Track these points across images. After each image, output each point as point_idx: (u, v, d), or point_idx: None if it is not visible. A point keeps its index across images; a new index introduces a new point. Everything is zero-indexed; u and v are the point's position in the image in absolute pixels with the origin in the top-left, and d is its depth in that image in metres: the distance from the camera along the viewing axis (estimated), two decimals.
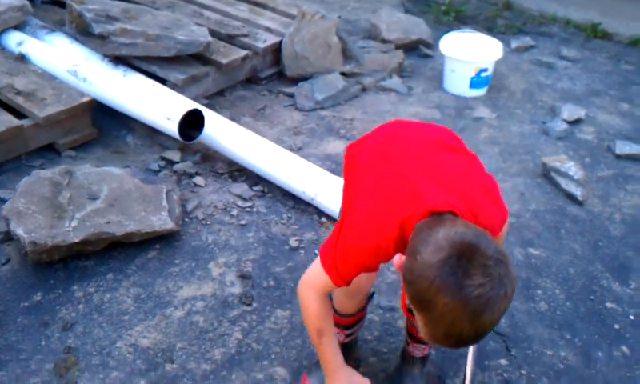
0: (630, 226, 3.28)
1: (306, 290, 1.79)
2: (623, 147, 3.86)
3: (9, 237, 2.60)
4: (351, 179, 1.87)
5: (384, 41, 4.81)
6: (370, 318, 2.48)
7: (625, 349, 2.56)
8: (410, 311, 1.47)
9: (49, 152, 3.27)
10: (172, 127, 3.00)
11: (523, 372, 2.38)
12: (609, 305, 2.77)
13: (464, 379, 2.18)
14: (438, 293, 1.31)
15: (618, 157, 3.83)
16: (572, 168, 3.48)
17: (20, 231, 2.44)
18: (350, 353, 2.25)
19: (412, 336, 2.14)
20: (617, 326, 2.66)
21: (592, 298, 2.79)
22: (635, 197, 3.51)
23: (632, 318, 2.71)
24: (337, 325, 2.11)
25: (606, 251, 3.07)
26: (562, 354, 2.49)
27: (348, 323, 2.12)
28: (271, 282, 2.60)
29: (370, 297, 2.17)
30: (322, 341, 1.82)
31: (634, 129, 4.18)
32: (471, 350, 2.13)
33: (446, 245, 1.34)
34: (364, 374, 2.24)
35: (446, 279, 1.30)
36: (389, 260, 1.63)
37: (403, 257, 1.46)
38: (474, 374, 2.18)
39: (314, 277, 1.75)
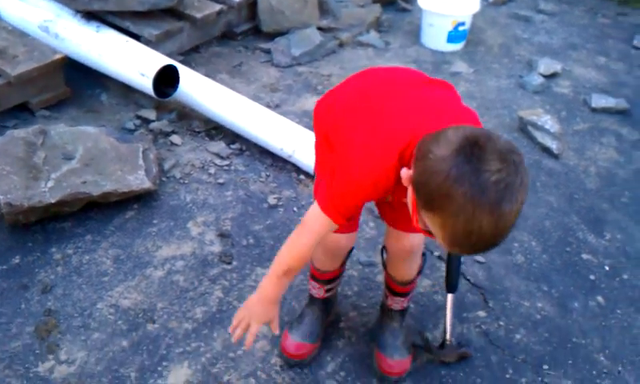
0: (604, 179, 3.31)
1: (306, 231, 1.72)
2: (599, 100, 3.88)
3: None
4: (328, 128, 1.84)
5: None
6: (350, 273, 2.50)
7: (600, 299, 2.61)
8: (427, 232, 1.43)
9: (22, 112, 3.21)
10: (147, 83, 2.96)
11: (501, 323, 2.41)
12: (584, 256, 2.81)
13: (444, 331, 2.21)
14: (455, 183, 1.27)
15: (594, 110, 3.85)
16: (548, 122, 3.49)
17: None
18: (330, 308, 2.27)
19: (391, 289, 2.15)
20: (592, 277, 2.71)
21: (568, 249, 2.83)
22: (610, 150, 3.55)
23: (607, 268, 2.76)
24: (317, 280, 2.14)
25: (581, 204, 3.11)
26: (539, 304, 2.54)
27: (327, 278, 2.13)
28: (251, 240, 2.60)
29: (349, 253, 2.17)
30: (282, 278, 1.77)
31: (609, 82, 4.21)
32: (449, 302, 2.15)
33: (456, 139, 1.30)
34: (344, 329, 2.29)
35: (462, 168, 1.27)
36: (388, 191, 1.59)
37: (410, 170, 1.43)
38: (453, 326, 2.21)
39: (314, 221, 1.69)
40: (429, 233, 1.43)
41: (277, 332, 1.83)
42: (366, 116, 1.63)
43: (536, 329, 2.44)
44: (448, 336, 2.18)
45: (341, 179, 1.60)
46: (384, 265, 2.15)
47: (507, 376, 2.24)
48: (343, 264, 2.16)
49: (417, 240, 2.00)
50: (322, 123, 1.90)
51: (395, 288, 2.14)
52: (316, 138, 1.97)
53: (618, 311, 2.57)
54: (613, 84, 4.18)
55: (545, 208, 3.03)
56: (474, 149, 1.28)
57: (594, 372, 2.32)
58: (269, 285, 1.79)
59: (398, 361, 2.16)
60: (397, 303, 2.19)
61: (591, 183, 3.27)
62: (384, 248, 2.14)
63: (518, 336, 2.40)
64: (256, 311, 1.79)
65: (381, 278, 2.48)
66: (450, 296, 2.13)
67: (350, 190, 1.60)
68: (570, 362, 2.34)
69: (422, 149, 1.38)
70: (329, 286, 2.17)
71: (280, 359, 2.15)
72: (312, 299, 2.22)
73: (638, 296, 2.65)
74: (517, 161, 1.29)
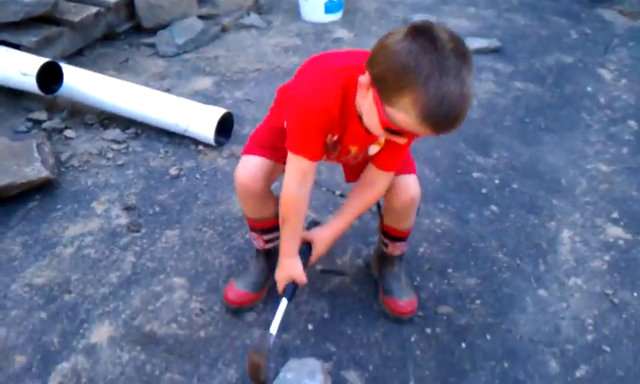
0: (486, 109, 3.54)
1: (287, 178, 1.83)
2: (473, 43, 4.13)
3: None
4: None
5: None
6: None
7: (494, 207, 2.80)
8: (394, 130, 1.53)
9: None
10: (31, 81, 2.96)
11: None
12: (475, 175, 3.00)
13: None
14: (419, 55, 1.39)
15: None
16: None
17: None
18: (275, 260, 2.27)
19: (391, 237, 2.21)
20: (484, 191, 2.90)
21: (459, 171, 3.01)
22: (488, 83, 3.79)
23: (497, 181, 2.96)
24: (253, 229, 2.17)
25: (468, 132, 3.31)
26: (438, 221, 2.70)
27: (261, 227, 2.15)
28: (157, 209, 2.66)
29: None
30: (283, 228, 1.91)
31: (480, 27, 4.49)
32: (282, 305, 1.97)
33: (405, 28, 1.44)
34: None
35: (421, 42, 1.39)
36: (332, 126, 1.72)
37: (366, 76, 1.54)
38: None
39: (290, 165, 1.80)
40: (394, 133, 1.55)
41: (304, 281, 1.98)
42: (312, 68, 1.76)
43: (438, 241, 2.60)
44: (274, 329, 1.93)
45: (296, 115, 1.72)
46: (380, 217, 2.21)
47: (415, 283, 2.39)
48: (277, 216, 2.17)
49: (416, 189, 2.06)
50: (280, 105, 2.02)
51: (397, 234, 2.20)
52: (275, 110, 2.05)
53: (512, 215, 2.77)
54: (484, 28, 4.46)
55: (433, 140, 3.21)
56: (423, 30, 1.41)
57: (495, 268, 2.50)
58: (280, 242, 1.96)
59: (407, 301, 2.25)
60: (398, 249, 2.26)
61: (475, 114, 3.48)
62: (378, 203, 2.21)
63: (421, 249, 2.55)
64: (281, 268, 1.98)
65: None
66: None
67: (306, 119, 1.70)
68: (472, 263, 2.51)
69: (373, 53, 1.51)
70: (267, 237, 2.19)
71: (198, 303, 2.23)
72: (256, 251, 2.27)
73: (527, 200, 2.86)
74: (461, 38, 1.43)
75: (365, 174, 1.96)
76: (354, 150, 1.89)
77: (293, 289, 1.97)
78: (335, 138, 1.82)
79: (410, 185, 2.04)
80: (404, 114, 1.46)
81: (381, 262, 2.34)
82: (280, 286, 1.99)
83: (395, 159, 1.91)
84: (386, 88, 1.47)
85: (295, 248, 1.96)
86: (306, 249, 2.00)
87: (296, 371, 1.94)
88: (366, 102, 1.58)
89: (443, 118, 1.43)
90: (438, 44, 1.39)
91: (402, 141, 1.63)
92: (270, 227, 2.16)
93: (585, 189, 2.98)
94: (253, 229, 2.18)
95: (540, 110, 3.58)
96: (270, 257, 2.26)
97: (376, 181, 1.95)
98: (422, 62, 1.39)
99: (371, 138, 1.80)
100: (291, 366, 1.96)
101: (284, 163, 1.86)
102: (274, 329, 1.90)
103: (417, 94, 1.41)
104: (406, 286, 2.29)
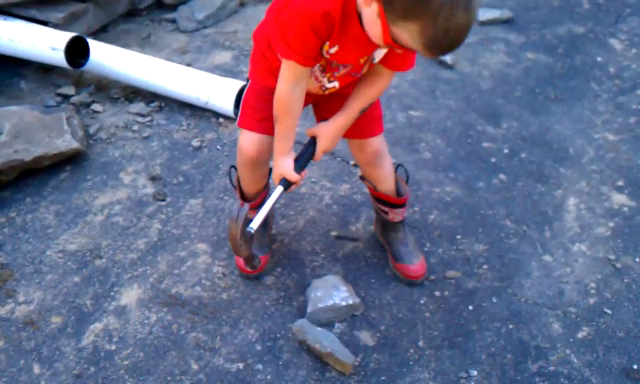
0: (497, 79, 3.63)
1: (280, 81, 1.85)
2: (485, 14, 4.19)
3: None
4: (271, 24, 1.92)
5: None
6: None
7: (502, 176, 2.91)
8: (398, 45, 1.56)
9: None
10: (59, 56, 3.10)
11: (416, 209, 2.69)
12: (485, 144, 3.11)
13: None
14: None
15: (482, 23, 4.16)
16: None
17: None
18: (269, 220, 2.43)
19: (391, 204, 2.32)
20: (493, 160, 3.01)
21: (469, 141, 3.12)
22: (500, 54, 3.87)
23: (506, 151, 3.07)
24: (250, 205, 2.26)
25: (478, 103, 3.41)
26: (448, 189, 2.82)
27: (257, 205, 2.23)
28: (180, 179, 2.80)
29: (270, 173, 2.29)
30: (276, 126, 1.94)
31: None
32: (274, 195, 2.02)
33: None
34: (275, 234, 2.49)
35: None
36: (332, 32, 1.68)
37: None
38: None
39: (283, 71, 1.82)
40: (399, 45, 1.57)
41: (295, 178, 1.96)
42: None
43: (447, 209, 2.72)
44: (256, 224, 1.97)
45: (292, 19, 1.68)
46: (374, 187, 2.30)
47: (425, 249, 2.52)
48: (267, 186, 2.29)
49: (378, 143, 2.17)
50: (261, 34, 2.06)
51: (394, 200, 2.31)
52: (256, 54, 2.12)
53: (519, 184, 2.88)
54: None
55: (445, 111, 3.32)
56: None
57: (502, 234, 2.62)
58: (274, 140, 1.98)
59: (418, 264, 2.38)
60: (398, 215, 2.36)
61: (486, 85, 3.57)
62: (361, 176, 2.36)
63: (431, 217, 2.68)
64: (275, 165, 1.99)
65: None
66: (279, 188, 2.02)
67: (302, 23, 1.67)
68: (480, 230, 2.63)
69: None
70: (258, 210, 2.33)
71: (220, 267, 2.38)
72: None
73: (535, 169, 2.97)
74: None
75: (369, 72, 1.95)
76: (362, 61, 1.87)
77: (286, 182, 1.99)
78: (335, 49, 1.78)
79: (369, 144, 2.14)
80: (408, 37, 1.51)
81: (385, 230, 2.45)
82: (276, 182, 2.01)
83: (404, 60, 1.90)
84: (394, 11, 1.49)
85: (287, 147, 1.97)
86: (311, 144, 2.02)
87: (323, 288, 2.23)
88: (368, 11, 1.58)
89: (447, 46, 1.49)
90: None
91: (400, 51, 1.67)
92: (262, 201, 2.23)
93: (591, 157, 3.07)
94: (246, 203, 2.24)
95: (550, 80, 3.66)
96: (265, 220, 2.34)
97: (380, 75, 1.95)
98: None
99: (373, 45, 1.74)
100: (315, 285, 2.26)
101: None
102: (265, 207, 1.98)
103: (425, 25, 1.45)
104: (413, 249, 2.41)
